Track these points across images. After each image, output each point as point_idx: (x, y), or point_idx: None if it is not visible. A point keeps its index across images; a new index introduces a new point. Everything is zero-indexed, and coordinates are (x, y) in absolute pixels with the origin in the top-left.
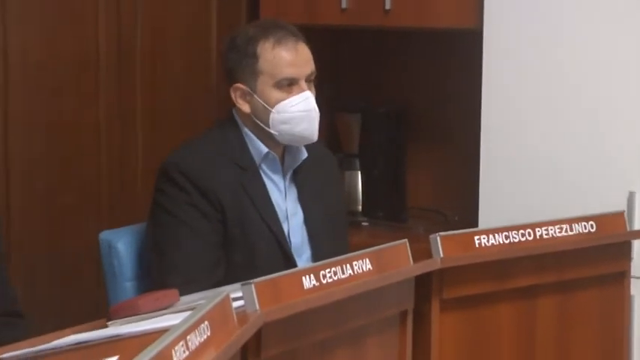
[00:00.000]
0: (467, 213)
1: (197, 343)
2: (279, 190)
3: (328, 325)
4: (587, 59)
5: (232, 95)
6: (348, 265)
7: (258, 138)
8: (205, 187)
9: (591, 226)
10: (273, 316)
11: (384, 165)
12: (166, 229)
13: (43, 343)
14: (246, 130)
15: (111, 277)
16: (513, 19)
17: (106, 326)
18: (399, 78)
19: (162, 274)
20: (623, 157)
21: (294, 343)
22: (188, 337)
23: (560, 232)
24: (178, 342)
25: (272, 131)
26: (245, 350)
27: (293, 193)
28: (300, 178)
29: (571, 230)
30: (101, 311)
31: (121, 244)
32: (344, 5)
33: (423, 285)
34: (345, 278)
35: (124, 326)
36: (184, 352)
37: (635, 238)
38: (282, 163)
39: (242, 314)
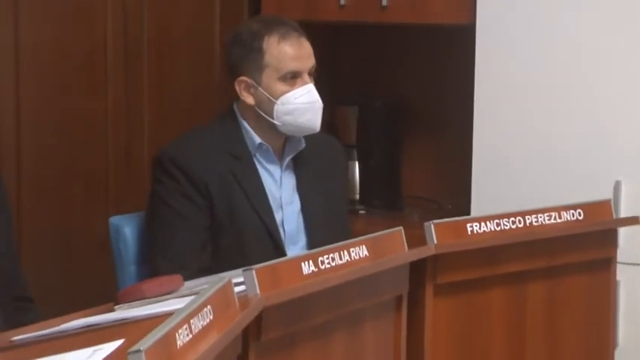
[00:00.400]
0: (460, 201)
1: (200, 327)
2: (274, 180)
3: (326, 310)
4: (576, 52)
5: (237, 88)
6: (345, 252)
7: (260, 129)
8: (193, 175)
9: (579, 213)
10: (274, 300)
11: (380, 156)
12: (158, 215)
13: (53, 327)
14: (244, 123)
15: (118, 261)
16: (505, 14)
17: (113, 310)
18: (395, 72)
19: (153, 257)
20: (610, 148)
21: (294, 327)
22: (191, 321)
23: (549, 220)
24: (182, 325)
25: (276, 122)
26: (246, 333)
27: (291, 181)
28: (300, 167)
29: (560, 218)
30: (108, 296)
31: (128, 229)
32: (342, 2)
33: (418, 270)
34: (343, 264)
35: (130, 310)
36: (188, 335)
37: (621, 226)
38: (282, 154)
39: (243, 299)
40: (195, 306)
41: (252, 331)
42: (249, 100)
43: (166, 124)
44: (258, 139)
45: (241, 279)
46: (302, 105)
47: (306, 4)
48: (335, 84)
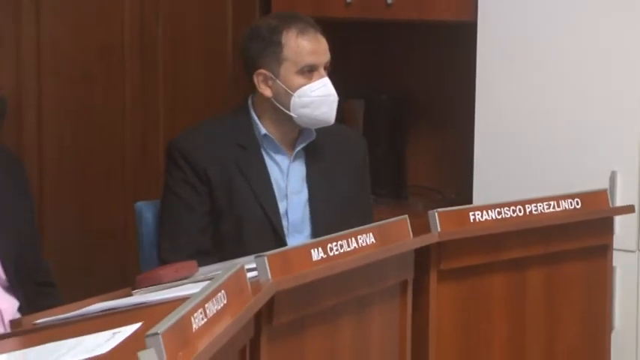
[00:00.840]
0: (462, 191)
1: (214, 311)
2: (281, 170)
3: (335, 294)
4: (574, 47)
5: (255, 80)
6: (353, 239)
7: (275, 121)
8: (194, 161)
9: (577, 202)
10: (285, 285)
11: (386, 147)
12: (166, 202)
13: (74, 310)
14: (253, 115)
15: (140, 244)
16: (505, 11)
17: (131, 295)
18: (400, 67)
19: (160, 241)
20: (606, 139)
21: (304, 311)
22: (206, 305)
23: (548, 208)
24: (197, 309)
25: (292, 114)
26: (258, 317)
27: (301, 172)
28: (312, 158)
29: (558, 206)
30: (126, 281)
31: (149, 214)
32: (348, 0)
33: (422, 257)
34: (351, 251)
35: (147, 295)
36: (203, 318)
37: (617, 214)
38: (294, 144)
39: (256, 284)
40: (209, 291)
41: (265, 315)
42: (267, 92)
43: (180, 116)
44: (263, 130)
45: (254, 265)
46: (318, 98)
47: (314, 1)
48: (343, 78)
